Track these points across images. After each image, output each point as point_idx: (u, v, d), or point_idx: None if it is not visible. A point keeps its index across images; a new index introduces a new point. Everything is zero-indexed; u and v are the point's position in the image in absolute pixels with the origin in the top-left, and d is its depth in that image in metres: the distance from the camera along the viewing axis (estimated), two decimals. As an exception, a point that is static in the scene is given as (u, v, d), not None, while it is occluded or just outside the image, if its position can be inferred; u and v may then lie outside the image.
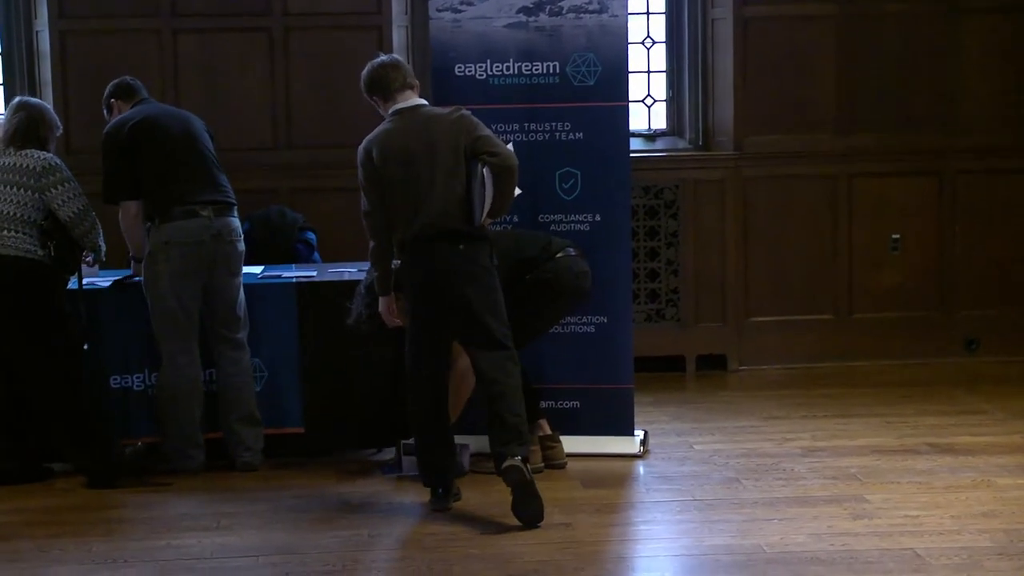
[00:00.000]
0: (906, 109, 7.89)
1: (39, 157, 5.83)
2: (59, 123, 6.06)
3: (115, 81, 6.17)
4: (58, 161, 5.89)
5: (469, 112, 5.42)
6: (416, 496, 5.63)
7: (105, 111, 6.18)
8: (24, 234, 5.76)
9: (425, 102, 5.54)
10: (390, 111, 5.51)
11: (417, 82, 5.57)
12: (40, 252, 5.76)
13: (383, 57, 5.63)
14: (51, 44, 7.61)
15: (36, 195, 5.78)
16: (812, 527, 5.17)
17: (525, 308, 5.62)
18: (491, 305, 5.33)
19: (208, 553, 5.04)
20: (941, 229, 7.97)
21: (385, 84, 5.50)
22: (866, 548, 4.94)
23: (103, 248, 5.95)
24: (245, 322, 6.04)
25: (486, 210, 5.29)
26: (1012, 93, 7.90)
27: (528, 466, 5.21)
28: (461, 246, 5.29)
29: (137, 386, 6.08)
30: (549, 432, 5.99)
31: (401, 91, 5.49)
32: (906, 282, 7.97)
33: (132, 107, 6.05)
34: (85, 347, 5.89)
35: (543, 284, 5.76)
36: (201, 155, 6.04)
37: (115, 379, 6.07)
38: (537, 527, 5.16)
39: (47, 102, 7.52)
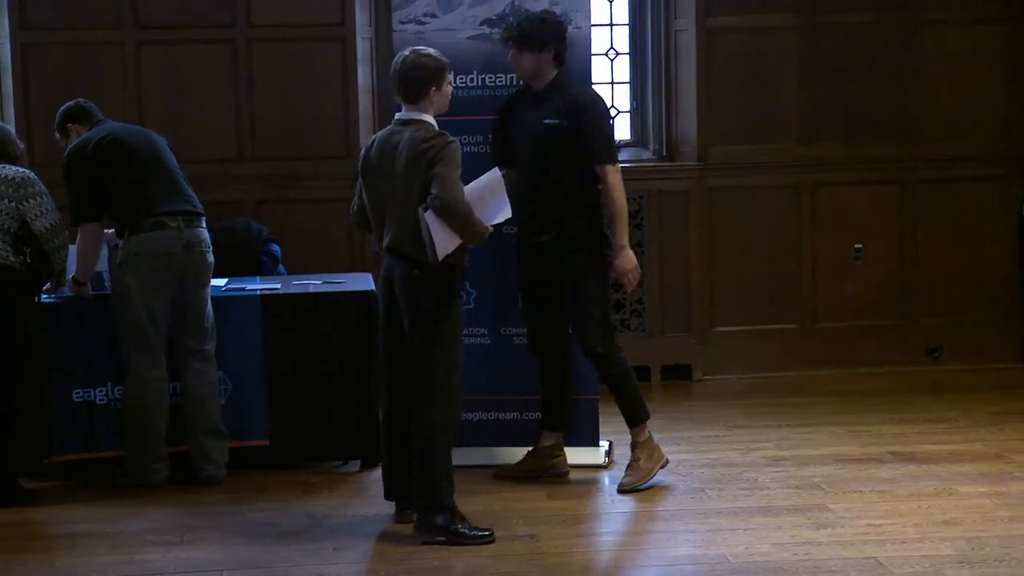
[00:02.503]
0: (868, 119, 7.94)
1: (16, 169, 5.85)
2: (20, 144, 6.07)
3: (68, 105, 6.13)
4: (35, 176, 5.89)
5: (448, 142, 5.18)
6: (381, 509, 5.62)
7: (60, 136, 6.12)
8: None
9: (421, 116, 5.28)
10: (395, 117, 5.40)
11: (431, 88, 5.28)
12: (13, 258, 5.74)
13: (407, 54, 5.34)
14: (12, 56, 7.56)
15: (12, 204, 5.76)
16: (776, 536, 5.20)
17: None
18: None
19: (172, 568, 5.03)
20: (903, 238, 8.02)
21: (397, 87, 5.34)
22: (829, 557, 4.97)
23: (66, 272, 5.94)
24: (213, 334, 6.03)
25: (442, 249, 5.14)
26: (972, 103, 7.96)
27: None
28: (416, 271, 5.20)
29: (100, 399, 6.06)
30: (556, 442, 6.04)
31: (412, 100, 5.31)
32: (869, 291, 8.01)
33: (90, 129, 6.03)
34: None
35: None
36: (167, 167, 6.04)
37: (78, 392, 6.04)
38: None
39: (8, 115, 7.53)
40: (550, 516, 5.49)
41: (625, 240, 5.78)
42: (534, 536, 5.25)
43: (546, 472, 5.98)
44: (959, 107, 7.96)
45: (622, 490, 5.78)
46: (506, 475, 5.97)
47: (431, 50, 5.34)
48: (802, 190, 7.96)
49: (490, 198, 5.31)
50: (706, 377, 7.94)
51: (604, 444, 6.28)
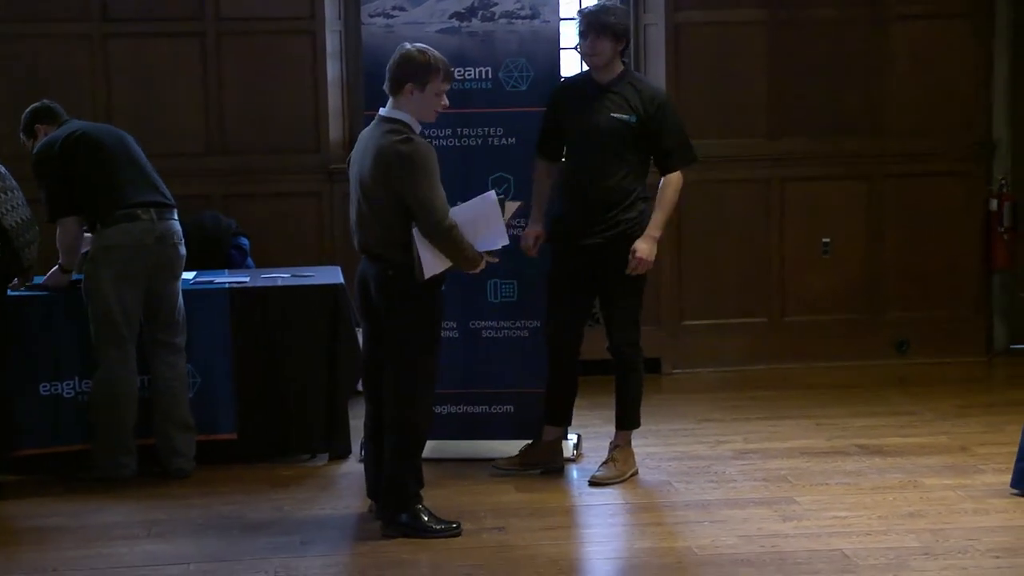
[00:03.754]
0: (836, 114, 7.97)
1: None
2: None
3: (34, 107, 6.11)
4: (5, 170, 5.87)
5: (417, 150, 5.01)
6: (350, 501, 5.63)
7: (25, 137, 6.10)
8: None
9: (398, 115, 5.09)
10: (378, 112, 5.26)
11: (407, 84, 5.09)
12: None
13: (407, 46, 5.17)
14: (-23, 49, 7.54)
15: None
16: (743, 529, 5.23)
17: None
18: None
19: (138, 561, 5.01)
20: (871, 233, 8.06)
21: (387, 78, 5.17)
22: (795, 549, 4.99)
23: (33, 268, 5.93)
24: (183, 327, 6.02)
25: (429, 270, 5.06)
26: (939, 98, 8.01)
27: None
28: (390, 272, 5.14)
29: (68, 393, 6.04)
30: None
31: (392, 93, 5.15)
32: (837, 285, 8.06)
33: (58, 128, 6.01)
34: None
35: None
36: (137, 160, 6.04)
37: (45, 386, 6.02)
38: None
39: (-27, 108, 7.50)
40: (518, 509, 5.50)
41: (659, 233, 5.77)
42: (502, 529, 5.26)
43: (545, 465, 5.98)
44: (926, 102, 8.01)
45: (594, 482, 5.79)
46: (505, 469, 5.95)
47: (433, 51, 5.16)
48: (771, 184, 8.00)
49: (483, 224, 5.15)
50: (676, 371, 7.97)
51: (573, 437, 6.30)
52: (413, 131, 5.10)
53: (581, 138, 5.76)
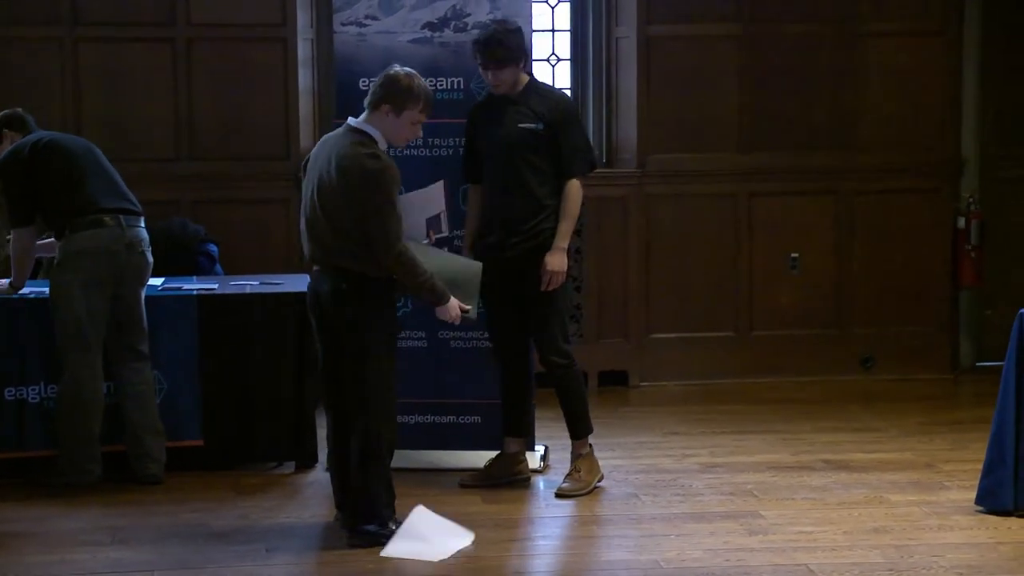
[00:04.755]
0: (806, 129, 8.01)
1: None
2: None
3: (5, 113, 6.09)
4: None
5: (381, 170, 4.97)
6: (316, 510, 5.61)
7: None
8: None
9: (369, 129, 5.08)
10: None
11: (384, 104, 5.08)
12: None
13: (409, 70, 5.20)
14: (-54, 53, 7.49)
15: None
16: (708, 543, 5.23)
17: None
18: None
19: (101, 568, 4.98)
20: (838, 248, 8.10)
21: (369, 90, 5.19)
22: (760, 564, 5.00)
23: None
24: (147, 333, 5.99)
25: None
26: (908, 116, 8.06)
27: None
28: (344, 285, 5.09)
29: (32, 398, 5.99)
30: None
31: (369, 108, 5.14)
32: (804, 300, 8.09)
33: (24, 137, 5.99)
34: None
35: None
36: (104, 168, 6.03)
37: (10, 391, 5.97)
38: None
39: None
40: (485, 520, 5.49)
41: (566, 243, 5.79)
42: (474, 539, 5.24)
43: (511, 478, 5.97)
44: (896, 119, 8.05)
45: (561, 495, 5.79)
46: (471, 484, 5.94)
47: (420, 80, 5.14)
48: (739, 199, 8.02)
49: (426, 202, 5.30)
50: (642, 383, 7.98)
51: (540, 449, 6.29)
52: (379, 148, 5.09)
53: (493, 152, 5.79)
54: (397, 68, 5.17)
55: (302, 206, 5.24)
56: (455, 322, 5.30)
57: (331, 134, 5.27)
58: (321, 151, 5.21)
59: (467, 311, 5.29)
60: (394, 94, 5.08)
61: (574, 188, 5.79)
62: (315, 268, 5.23)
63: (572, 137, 5.79)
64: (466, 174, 5.95)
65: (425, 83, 5.18)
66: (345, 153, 5.04)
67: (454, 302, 5.21)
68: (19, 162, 5.86)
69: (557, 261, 5.75)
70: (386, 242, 5.01)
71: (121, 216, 5.89)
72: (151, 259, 6.00)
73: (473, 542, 5.18)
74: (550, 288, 5.75)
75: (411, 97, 5.09)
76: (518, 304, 5.87)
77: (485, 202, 5.85)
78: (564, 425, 6.51)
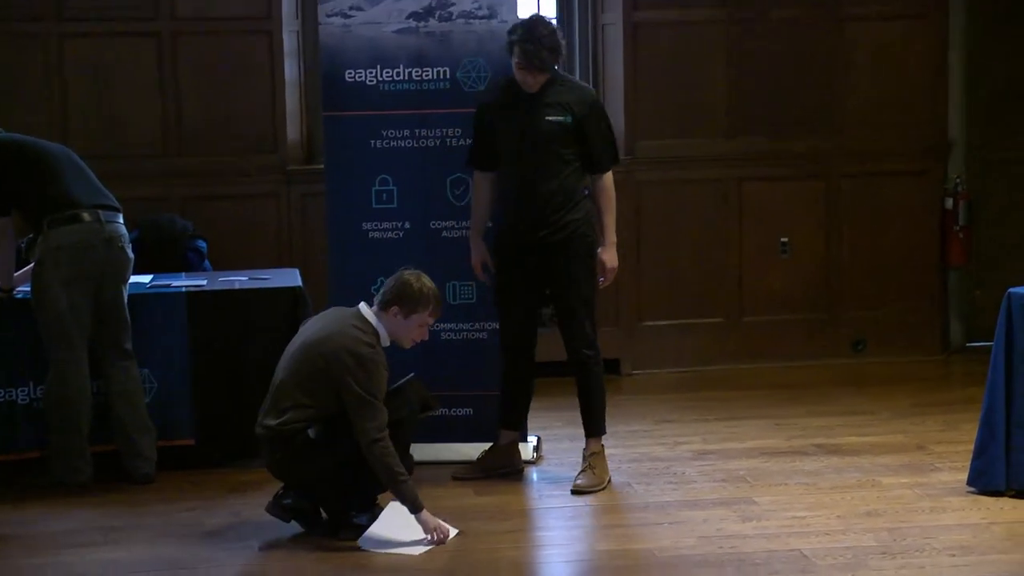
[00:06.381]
0: (793, 114, 8.00)
1: None
2: None
3: None
4: None
5: (382, 367, 5.09)
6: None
7: None
8: None
9: (371, 319, 5.18)
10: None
11: (394, 307, 5.18)
12: None
13: (408, 273, 5.28)
14: (-70, 49, 7.46)
15: None
16: (702, 530, 5.24)
17: None
18: None
19: (95, 569, 4.97)
20: (828, 232, 8.09)
21: (381, 290, 5.30)
22: (754, 550, 5.01)
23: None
24: (131, 331, 5.97)
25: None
26: (895, 98, 8.05)
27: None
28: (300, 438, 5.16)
29: (22, 399, 5.98)
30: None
31: (379, 307, 5.22)
32: (794, 285, 8.08)
33: None
34: None
35: None
36: (80, 167, 6.01)
37: (-1, 392, 5.97)
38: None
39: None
40: (478, 512, 5.49)
41: (615, 238, 5.81)
42: (462, 532, 5.24)
43: (504, 469, 5.97)
44: (883, 102, 8.04)
45: (577, 491, 5.75)
46: (465, 476, 5.94)
47: (429, 283, 5.21)
48: (728, 184, 8.02)
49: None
50: (635, 371, 7.98)
51: (533, 439, 6.29)
52: (379, 343, 5.15)
53: (520, 144, 5.73)
54: (407, 273, 5.24)
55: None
56: (434, 536, 5.13)
57: (335, 308, 5.39)
58: (320, 318, 5.34)
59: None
60: (406, 298, 5.18)
61: (608, 181, 5.82)
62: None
63: (601, 131, 5.78)
64: (477, 162, 5.89)
65: (433, 284, 5.25)
66: (344, 331, 5.13)
67: (428, 516, 5.11)
68: None
69: (614, 257, 5.80)
70: (367, 426, 5.02)
71: (99, 211, 5.87)
72: (131, 254, 5.98)
73: (458, 534, 5.17)
74: (607, 284, 5.83)
75: (421, 301, 5.20)
76: (538, 295, 5.87)
77: (508, 193, 5.80)
78: (558, 415, 6.57)
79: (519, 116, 5.72)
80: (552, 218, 5.71)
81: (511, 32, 5.71)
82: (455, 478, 5.93)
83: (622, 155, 7.81)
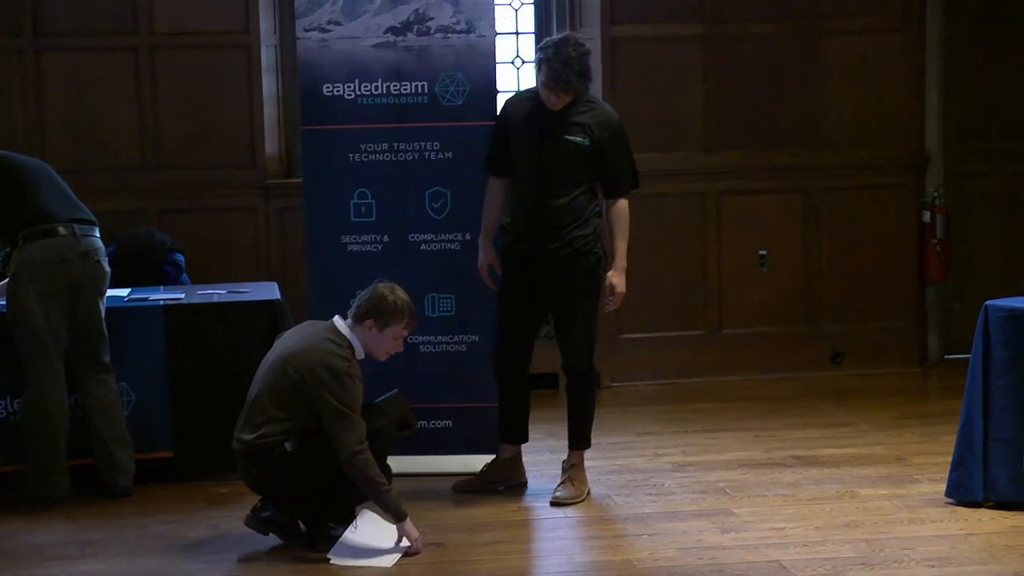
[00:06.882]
0: (772, 127, 8.03)
1: None
2: None
3: None
4: None
5: (359, 382, 5.09)
6: (287, 519, 5.59)
7: None
8: None
9: (347, 333, 5.17)
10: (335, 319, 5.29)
11: (368, 319, 5.16)
12: None
13: (382, 285, 5.27)
14: (-92, 63, 7.44)
15: None
16: (681, 542, 5.24)
17: None
18: None
19: (73, 582, 4.96)
20: (806, 245, 8.12)
21: (355, 303, 5.27)
22: (733, 561, 5.01)
23: None
24: (108, 344, 5.96)
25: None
26: (872, 112, 8.09)
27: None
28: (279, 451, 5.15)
29: (-1, 413, 5.98)
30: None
31: (354, 319, 5.21)
32: (773, 297, 8.11)
33: None
34: None
35: None
36: (55, 181, 6.01)
37: (-24, 406, 5.95)
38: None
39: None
40: (457, 523, 5.48)
41: (625, 262, 5.83)
42: (440, 544, 5.23)
43: (507, 482, 5.97)
44: (860, 115, 8.09)
45: (556, 502, 5.76)
46: (466, 488, 5.93)
47: (403, 295, 5.21)
48: (707, 197, 8.04)
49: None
50: (614, 384, 7.99)
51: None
52: (354, 357, 5.15)
53: (534, 159, 5.72)
54: (382, 285, 5.23)
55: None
56: (413, 545, 5.13)
57: (310, 322, 5.38)
58: (294, 333, 5.32)
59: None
60: (379, 311, 5.17)
61: (624, 207, 5.81)
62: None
63: (620, 156, 5.77)
64: (493, 167, 5.88)
65: (407, 296, 5.24)
66: (319, 346, 5.12)
67: (411, 526, 5.12)
68: None
69: (623, 282, 5.81)
70: (347, 439, 5.02)
71: (75, 225, 5.86)
72: (108, 268, 5.97)
73: (439, 545, 5.17)
74: (614, 308, 5.86)
75: (396, 314, 5.19)
76: (541, 310, 5.87)
77: (519, 204, 5.80)
78: (539, 427, 6.57)
79: (539, 131, 5.71)
80: (560, 233, 5.72)
81: (541, 49, 5.67)
82: (456, 490, 5.93)
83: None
